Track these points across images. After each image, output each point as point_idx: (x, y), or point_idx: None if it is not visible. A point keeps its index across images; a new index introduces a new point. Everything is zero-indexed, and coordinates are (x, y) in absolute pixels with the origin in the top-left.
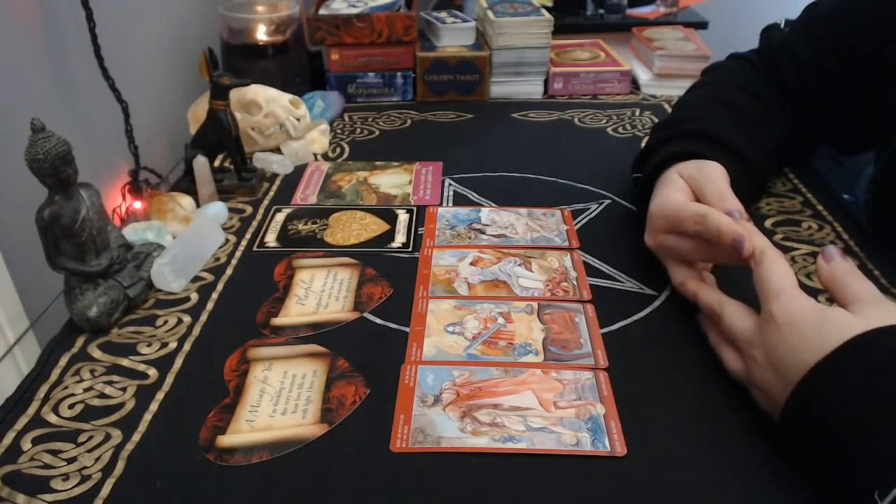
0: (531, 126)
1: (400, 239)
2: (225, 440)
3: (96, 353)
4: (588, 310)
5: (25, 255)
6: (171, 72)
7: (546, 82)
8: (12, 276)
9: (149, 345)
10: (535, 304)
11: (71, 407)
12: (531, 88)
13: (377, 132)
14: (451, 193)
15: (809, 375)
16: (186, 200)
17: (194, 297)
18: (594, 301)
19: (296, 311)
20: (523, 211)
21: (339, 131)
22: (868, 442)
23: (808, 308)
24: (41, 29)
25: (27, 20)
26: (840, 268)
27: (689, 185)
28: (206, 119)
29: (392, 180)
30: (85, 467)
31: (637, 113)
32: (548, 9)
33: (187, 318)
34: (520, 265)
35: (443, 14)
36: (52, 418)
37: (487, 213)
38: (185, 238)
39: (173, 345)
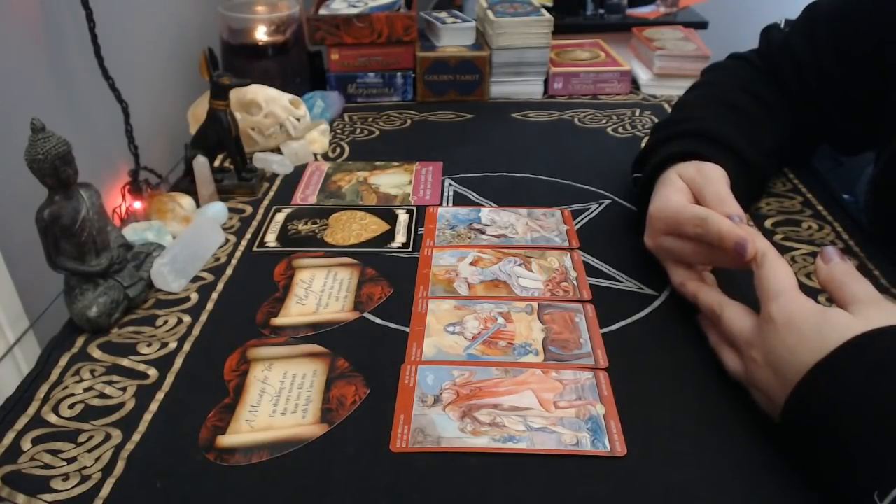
0: (531, 126)
1: (400, 239)
2: (225, 440)
3: (96, 353)
4: (588, 310)
5: (25, 255)
6: (171, 72)
7: (546, 82)
8: (12, 276)
9: (149, 345)
10: (535, 304)
11: (71, 407)
12: (531, 88)
13: (377, 132)
14: (451, 193)
15: (809, 376)
16: (186, 200)
17: (194, 297)
18: (594, 301)
19: (296, 311)
20: (523, 211)
21: (339, 131)
22: (868, 442)
23: (808, 309)
24: (41, 29)
25: (27, 20)
26: (839, 269)
27: (689, 187)
28: (206, 119)
29: (392, 180)
30: (85, 467)
31: (637, 113)
32: (548, 9)
33: (187, 318)
34: (520, 265)
35: (443, 14)
36: (52, 418)
37: (487, 213)
38: (185, 238)
39: (173, 345)
